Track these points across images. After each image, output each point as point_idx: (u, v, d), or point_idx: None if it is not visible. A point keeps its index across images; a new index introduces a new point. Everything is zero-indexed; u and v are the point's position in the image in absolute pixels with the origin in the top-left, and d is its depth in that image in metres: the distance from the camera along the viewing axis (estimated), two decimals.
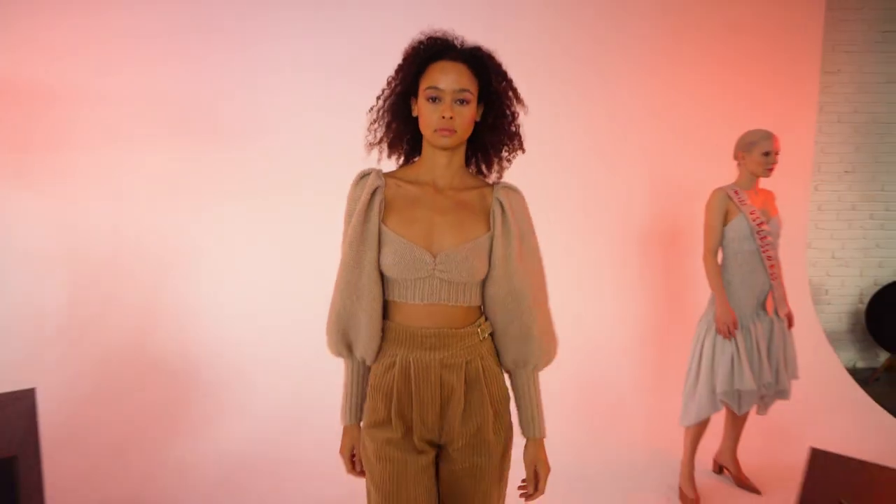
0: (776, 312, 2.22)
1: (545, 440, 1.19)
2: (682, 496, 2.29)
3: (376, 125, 1.16)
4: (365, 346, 1.12)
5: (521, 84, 1.20)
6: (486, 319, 1.17)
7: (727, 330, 2.14)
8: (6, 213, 2.88)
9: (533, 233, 1.16)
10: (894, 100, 3.96)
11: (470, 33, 1.15)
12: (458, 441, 1.12)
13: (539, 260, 1.17)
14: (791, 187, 3.67)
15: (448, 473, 1.15)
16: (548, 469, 1.17)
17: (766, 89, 3.50)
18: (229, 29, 2.97)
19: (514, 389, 1.19)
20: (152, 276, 3.03)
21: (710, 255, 2.21)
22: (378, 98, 1.16)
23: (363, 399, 1.18)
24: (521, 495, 1.18)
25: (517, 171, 1.29)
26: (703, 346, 2.23)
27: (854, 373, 3.91)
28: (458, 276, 1.08)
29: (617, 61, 3.29)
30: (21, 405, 1.83)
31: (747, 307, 2.19)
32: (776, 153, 2.17)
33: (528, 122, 1.23)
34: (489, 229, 1.11)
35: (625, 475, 2.47)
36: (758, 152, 2.16)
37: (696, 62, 3.39)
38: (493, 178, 1.22)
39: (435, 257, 1.07)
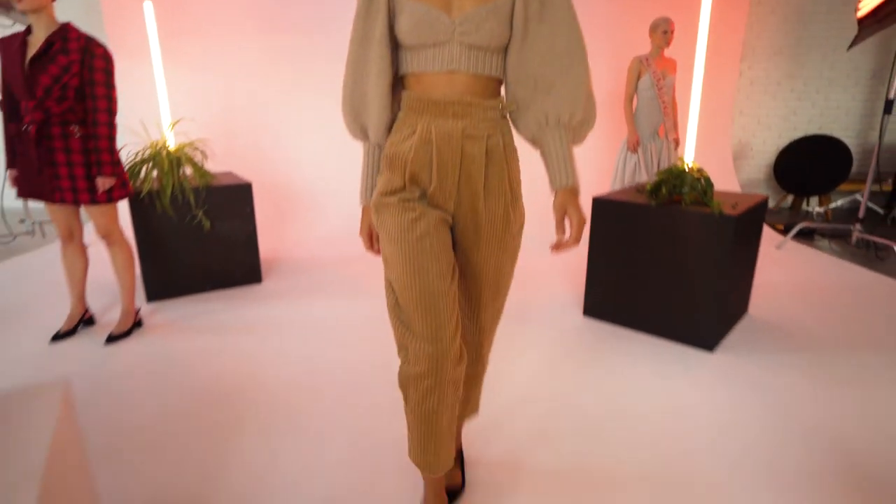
0: (666, 136, 3.59)
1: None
2: None
3: None
4: (375, 124, 1.11)
5: None
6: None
7: (633, 146, 3.53)
8: (167, 82, 4.26)
9: None
10: None
11: None
12: (480, 216, 1.10)
13: (572, 17, 1.05)
14: (724, 66, 4.88)
15: (463, 236, 1.13)
16: (582, 218, 1.06)
17: None
18: None
19: (542, 149, 1.10)
20: (256, 123, 4.45)
21: (627, 99, 3.54)
22: None
23: None
24: (553, 246, 1.06)
25: None
26: (619, 159, 3.64)
27: (774, 211, 5.34)
28: (478, 39, 1.02)
29: None
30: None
31: (647, 133, 3.55)
32: (671, 32, 3.40)
33: None
34: None
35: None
36: (660, 31, 3.40)
37: None
38: None
39: (454, 20, 1.02)
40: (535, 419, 1.78)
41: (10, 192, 4.78)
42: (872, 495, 1.42)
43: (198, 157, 2.92)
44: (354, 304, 2.83)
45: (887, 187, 4.92)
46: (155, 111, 3.91)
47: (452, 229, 1.14)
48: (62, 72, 2.00)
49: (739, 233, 2.17)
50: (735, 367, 2.12)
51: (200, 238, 2.89)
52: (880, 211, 4.80)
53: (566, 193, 1.06)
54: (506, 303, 1.17)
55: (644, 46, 4.13)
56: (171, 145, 2.89)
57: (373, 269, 3.48)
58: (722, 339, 2.34)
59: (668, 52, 4.39)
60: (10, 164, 2.19)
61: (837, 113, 5.33)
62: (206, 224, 2.84)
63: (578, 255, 3.68)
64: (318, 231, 4.25)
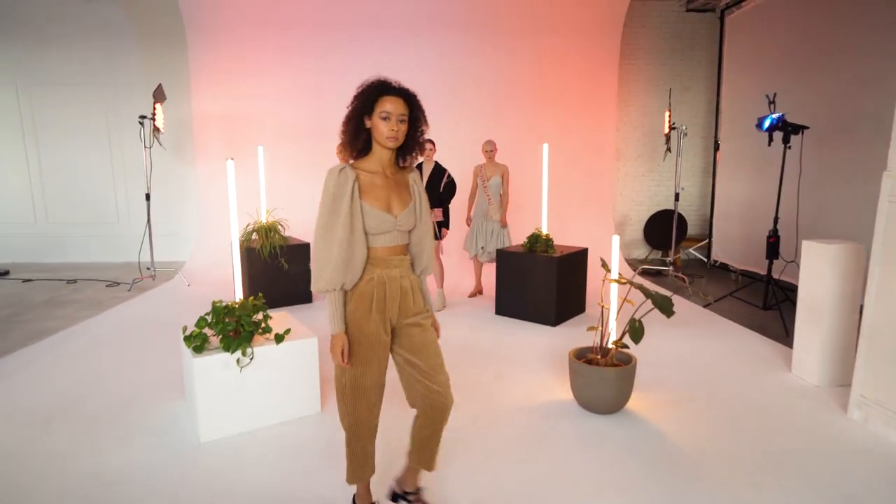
0: (491, 218, 5.57)
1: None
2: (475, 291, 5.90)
3: (345, 129, 1.81)
4: (354, 276, 1.76)
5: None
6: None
7: (467, 224, 5.70)
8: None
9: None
10: (662, 119, 7.68)
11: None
12: (410, 318, 1.87)
13: (428, 216, 1.91)
14: (604, 164, 7.43)
15: (406, 339, 1.88)
16: (439, 327, 2.00)
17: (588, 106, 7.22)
18: (330, 61, 6.60)
19: (420, 281, 1.96)
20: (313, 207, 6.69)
21: (472, 193, 5.76)
22: (348, 113, 1.79)
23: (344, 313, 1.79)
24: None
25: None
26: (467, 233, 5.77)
27: (643, 261, 7.77)
28: (406, 227, 1.83)
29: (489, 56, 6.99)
30: None
31: (477, 216, 5.70)
32: (490, 150, 5.53)
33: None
34: (412, 199, 1.85)
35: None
36: (483, 149, 5.64)
37: (550, 72, 7.09)
38: (407, 164, 1.91)
39: (396, 218, 1.80)
40: (459, 350, 3.99)
41: (144, 250, 6.88)
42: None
43: (280, 229, 5.15)
44: None
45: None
46: (257, 202, 6.04)
47: (394, 330, 1.88)
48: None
49: (562, 265, 4.49)
50: (558, 332, 4.39)
51: (281, 274, 5.06)
52: (704, 259, 7.29)
53: (434, 314, 1.98)
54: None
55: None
56: (266, 221, 5.13)
57: None
58: (562, 321, 4.60)
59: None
60: None
61: (684, 195, 7.92)
62: (285, 265, 5.03)
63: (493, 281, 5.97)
64: None
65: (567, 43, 7.11)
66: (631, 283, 2.77)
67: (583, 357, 3.00)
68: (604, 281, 3.06)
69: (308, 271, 5.24)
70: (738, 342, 4.08)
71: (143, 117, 5.78)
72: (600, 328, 2.94)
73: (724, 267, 6.87)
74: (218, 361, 2.59)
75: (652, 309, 2.83)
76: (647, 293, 2.63)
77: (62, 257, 7.51)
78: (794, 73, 5.46)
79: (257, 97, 6.82)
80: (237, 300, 2.84)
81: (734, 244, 6.65)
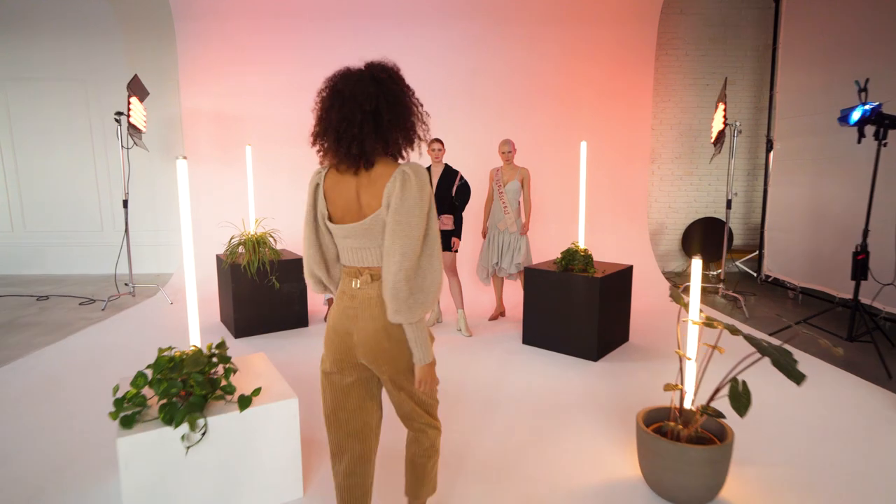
0: (507, 229, 4.75)
1: None
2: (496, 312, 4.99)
3: (420, 116, 1.48)
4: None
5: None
6: None
7: (483, 236, 4.91)
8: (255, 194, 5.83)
9: None
10: (702, 116, 6.87)
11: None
12: None
13: None
14: (638, 166, 6.64)
15: None
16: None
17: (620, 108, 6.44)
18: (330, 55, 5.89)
19: None
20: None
21: (487, 200, 4.95)
22: (412, 98, 1.46)
23: None
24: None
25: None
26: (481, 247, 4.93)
27: (677, 275, 6.95)
28: None
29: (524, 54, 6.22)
30: None
31: (493, 226, 4.86)
32: (508, 152, 4.62)
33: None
34: None
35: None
36: (499, 150, 4.84)
37: (584, 88, 6.32)
38: None
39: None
40: (486, 396, 3.22)
41: (122, 263, 6.20)
42: None
43: (271, 241, 4.43)
44: None
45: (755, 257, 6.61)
46: (245, 211, 5.37)
47: None
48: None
49: (606, 288, 3.71)
50: (602, 369, 3.60)
51: (271, 294, 4.34)
52: (753, 273, 6.46)
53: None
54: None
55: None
56: (255, 233, 4.41)
57: None
58: (604, 354, 3.82)
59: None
60: None
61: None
62: (276, 284, 4.31)
63: (519, 305, 5.21)
64: None
65: (596, 33, 6.34)
66: (729, 328, 2.00)
67: (655, 422, 2.23)
68: (679, 321, 2.29)
69: (302, 290, 4.52)
70: (832, 386, 3.27)
71: (119, 114, 5.09)
72: (681, 387, 2.16)
73: (778, 283, 6.04)
74: (155, 439, 1.85)
75: (754, 363, 2.05)
76: (761, 347, 1.85)
77: (41, 268, 6.87)
78: (872, 62, 4.64)
79: (251, 94, 6.12)
80: (190, 347, 2.11)
81: (792, 258, 5.81)
